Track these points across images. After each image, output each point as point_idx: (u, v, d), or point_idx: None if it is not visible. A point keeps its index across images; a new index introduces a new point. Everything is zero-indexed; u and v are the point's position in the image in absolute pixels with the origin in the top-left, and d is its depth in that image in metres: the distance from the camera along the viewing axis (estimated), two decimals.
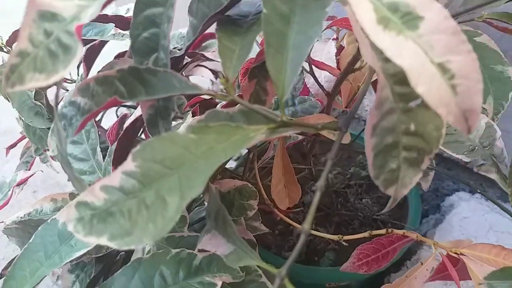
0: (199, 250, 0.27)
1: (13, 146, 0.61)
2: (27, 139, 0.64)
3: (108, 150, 0.34)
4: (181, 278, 0.28)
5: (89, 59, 0.45)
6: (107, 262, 0.41)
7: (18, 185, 0.36)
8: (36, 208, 0.39)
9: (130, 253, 0.47)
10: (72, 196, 0.38)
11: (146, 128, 0.27)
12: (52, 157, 0.48)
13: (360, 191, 0.69)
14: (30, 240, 0.30)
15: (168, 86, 0.23)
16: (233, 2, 0.27)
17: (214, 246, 0.25)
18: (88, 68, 0.46)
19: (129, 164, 0.20)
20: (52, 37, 0.18)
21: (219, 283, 0.27)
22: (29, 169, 0.55)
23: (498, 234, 0.61)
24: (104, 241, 0.19)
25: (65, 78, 0.59)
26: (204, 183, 0.19)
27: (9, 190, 0.35)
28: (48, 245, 0.29)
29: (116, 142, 0.28)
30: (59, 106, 0.39)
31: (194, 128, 0.22)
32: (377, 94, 0.22)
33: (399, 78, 0.21)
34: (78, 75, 0.57)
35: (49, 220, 0.30)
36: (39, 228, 0.30)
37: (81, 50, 0.18)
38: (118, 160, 0.27)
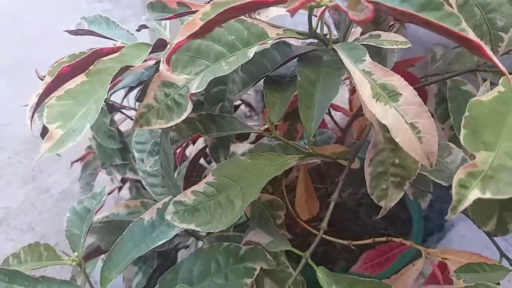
0: (246, 243, 0.37)
1: (77, 160, 0.74)
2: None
3: (178, 169, 0.45)
4: (230, 263, 0.38)
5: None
6: (164, 258, 0.52)
7: (109, 194, 0.47)
8: (112, 212, 0.51)
9: (177, 251, 0.57)
10: (142, 203, 0.49)
11: (209, 152, 0.38)
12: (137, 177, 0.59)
13: (370, 209, 0.78)
14: (124, 233, 0.40)
15: (232, 127, 0.34)
16: (275, 67, 0.38)
17: (258, 238, 0.35)
18: None
19: (210, 177, 0.31)
20: (170, 97, 0.30)
21: (258, 268, 0.37)
22: (94, 180, 0.67)
23: (492, 251, 0.70)
24: (192, 227, 0.30)
25: (123, 105, 0.72)
26: (257, 193, 0.30)
27: (102, 198, 0.46)
28: (136, 237, 0.40)
29: (186, 163, 0.40)
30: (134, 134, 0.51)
31: (250, 156, 0.33)
32: (373, 138, 0.32)
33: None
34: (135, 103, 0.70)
35: (137, 219, 0.41)
36: (130, 224, 0.41)
37: (190, 107, 0.29)
38: (188, 175, 0.38)
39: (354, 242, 0.46)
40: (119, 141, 0.57)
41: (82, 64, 0.28)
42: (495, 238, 0.44)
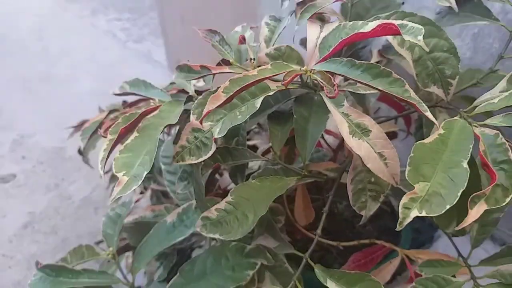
0: (256, 245, 0.46)
1: (107, 172, 0.84)
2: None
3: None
4: (237, 258, 0.46)
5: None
6: (182, 255, 0.62)
7: (136, 202, 0.58)
8: (140, 215, 0.61)
9: (192, 250, 0.67)
10: (166, 208, 0.60)
11: (229, 176, 0.47)
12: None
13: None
14: (150, 232, 0.50)
15: (245, 157, 0.44)
16: (277, 104, 0.48)
17: (266, 242, 0.45)
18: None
19: (229, 197, 0.41)
20: (198, 139, 0.40)
21: (259, 263, 0.45)
22: None
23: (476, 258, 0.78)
24: (217, 236, 0.40)
25: None
26: (266, 209, 0.40)
27: (130, 205, 0.56)
28: (160, 234, 0.50)
29: (206, 175, 0.50)
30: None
31: (259, 179, 0.42)
32: (352, 162, 0.42)
33: None
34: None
35: (161, 221, 0.51)
36: (155, 225, 0.50)
37: (214, 147, 0.39)
38: (207, 186, 0.48)
39: (342, 244, 0.55)
40: None
41: (133, 124, 0.38)
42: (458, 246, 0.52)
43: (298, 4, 0.49)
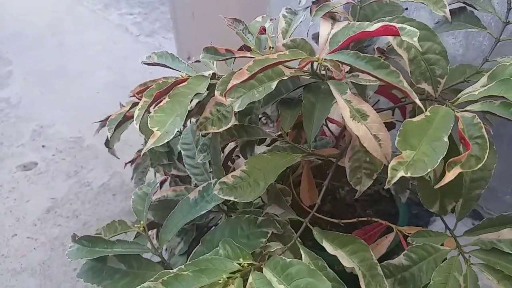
0: (265, 214, 0.53)
1: (131, 162, 0.91)
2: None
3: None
4: (251, 228, 0.52)
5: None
6: (200, 231, 0.69)
7: (160, 183, 0.64)
8: (163, 194, 0.67)
9: (209, 228, 0.74)
10: (186, 189, 0.66)
11: (240, 150, 0.54)
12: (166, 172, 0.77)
13: (366, 205, 0.93)
14: (175, 208, 0.57)
15: (257, 134, 0.51)
16: (288, 91, 0.54)
17: (274, 211, 0.51)
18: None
19: (243, 166, 0.47)
20: (220, 112, 0.46)
21: (270, 232, 0.52)
22: (145, 177, 0.84)
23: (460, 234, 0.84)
24: (232, 198, 0.47)
25: None
26: (275, 178, 0.46)
27: (155, 185, 0.63)
28: (184, 209, 0.56)
29: (222, 157, 0.56)
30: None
31: (269, 153, 0.49)
32: (351, 143, 0.48)
33: None
34: None
35: (184, 198, 0.57)
36: (179, 202, 0.57)
37: (234, 120, 0.45)
38: (224, 164, 0.54)
39: (342, 221, 0.61)
40: (166, 146, 0.74)
41: (166, 90, 0.45)
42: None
43: (313, 2, 0.55)
